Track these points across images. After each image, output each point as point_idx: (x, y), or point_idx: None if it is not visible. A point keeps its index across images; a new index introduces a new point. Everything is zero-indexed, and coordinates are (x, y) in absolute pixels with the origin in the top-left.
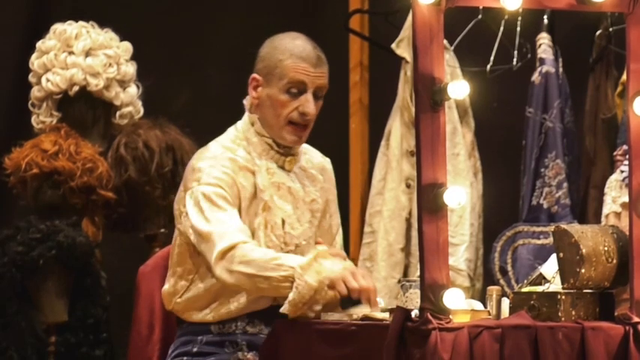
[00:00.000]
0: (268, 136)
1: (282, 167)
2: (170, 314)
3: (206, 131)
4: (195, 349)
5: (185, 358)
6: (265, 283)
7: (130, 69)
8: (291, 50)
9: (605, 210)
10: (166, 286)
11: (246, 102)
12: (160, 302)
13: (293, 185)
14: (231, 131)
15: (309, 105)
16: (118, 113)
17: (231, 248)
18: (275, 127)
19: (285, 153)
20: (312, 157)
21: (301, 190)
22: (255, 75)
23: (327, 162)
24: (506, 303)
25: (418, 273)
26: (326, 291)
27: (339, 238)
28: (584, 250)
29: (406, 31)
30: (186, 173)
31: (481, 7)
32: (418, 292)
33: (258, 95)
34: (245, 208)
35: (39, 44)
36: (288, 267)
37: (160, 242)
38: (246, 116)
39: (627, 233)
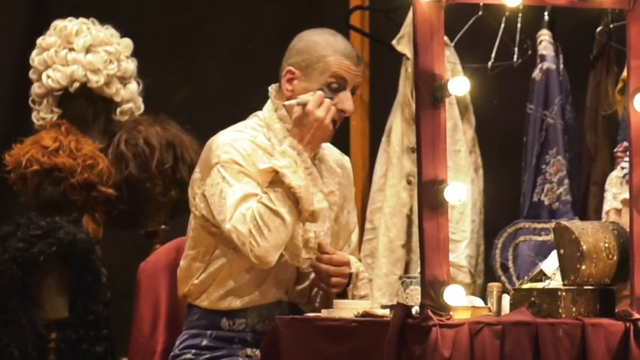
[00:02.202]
0: (290, 122)
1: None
2: (174, 310)
3: (206, 127)
4: (204, 343)
5: (193, 351)
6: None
7: (131, 65)
8: (334, 47)
9: (606, 206)
10: (180, 269)
11: (272, 90)
12: (162, 298)
13: (313, 172)
14: (251, 119)
15: (348, 102)
16: (118, 110)
17: (243, 199)
18: None
19: None
20: (331, 152)
21: (319, 179)
22: (290, 68)
23: (346, 160)
24: (506, 299)
25: (419, 269)
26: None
27: (354, 236)
28: (584, 247)
29: (407, 27)
30: (203, 155)
31: (482, 4)
32: (419, 288)
33: (293, 88)
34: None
35: (39, 41)
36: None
37: (160, 239)
38: (269, 104)
39: (628, 230)
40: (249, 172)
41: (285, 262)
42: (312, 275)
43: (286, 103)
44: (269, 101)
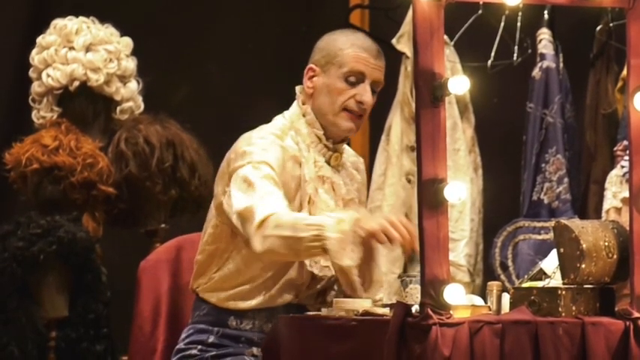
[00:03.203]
0: (319, 128)
1: (327, 162)
2: (175, 309)
3: (206, 126)
4: (210, 340)
5: (199, 347)
6: (298, 244)
7: (131, 64)
8: (353, 41)
9: (606, 205)
10: (197, 263)
11: (299, 91)
12: (163, 297)
13: (337, 181)
14: (279, 120)
15: (366, 94)
16: (118, 108)
17: (268, 217)
18: (330, 114)
19: (333, 149)
20: (348, 155)
21: (343, 188)
22: (311, 65)
23: (360, 162)
24: (506, 298)
25: (418, 268)
26: (358, 234)
27: None
28: (584, 246)
29: (406, 26)
30: (232, 156)
31: (481, 2)
32: (418, 287)
33: (313, 85)
34: (290, 198)
35: (39, 39)
36: (317, 225)
37: (160, 237)
38: (296, 106)
39: (628, 228)
40: (277, 181)
41: (301, 267)
42: (326, 279)
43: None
44: (295, 104)
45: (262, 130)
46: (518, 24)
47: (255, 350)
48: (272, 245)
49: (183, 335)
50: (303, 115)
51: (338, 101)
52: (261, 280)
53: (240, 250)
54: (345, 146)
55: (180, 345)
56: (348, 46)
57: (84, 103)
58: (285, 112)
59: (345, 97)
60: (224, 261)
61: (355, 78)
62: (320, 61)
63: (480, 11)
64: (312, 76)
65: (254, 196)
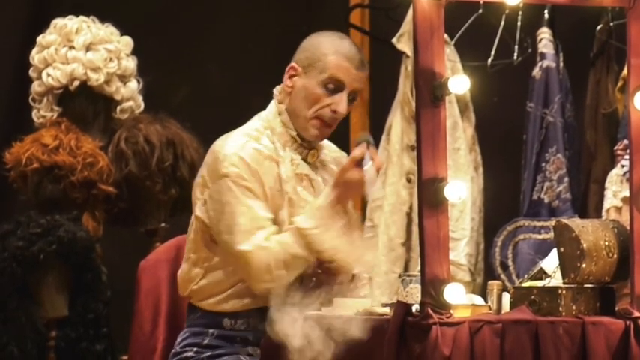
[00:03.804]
0: (292, 129)
1: (304, 160)
2: (175, 308)
3: (206, 126)
4: (205, 342)
5: (195, 349)
6: (299, 261)
7: (131, 64)
8: (337, 47)
9: (606, 204)
10: (181, 272)
11: (277, 91)
12: (163, 296)
13: (315, 178)
14: (255, 120)
15: (342, 104)
16: (118, 108)
17: (259, 229)
18: (301, 118)
19: (308, 146)
20: (330, 150)
21: (322, 184)
22: (293, 64)
23: (343, 157)
24: (506, 298)
25: (419, 267)
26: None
27: None
28: (584, 245)
29: (407, 25)
30: (209, 161)
31: (482, 2)
32: (419, 286)
33: (292, 84)
34: (269, 198)
35: (39, 39)
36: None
37: (160, 237)
38: (273, 105)
39: (628, 228)
40: (256, 191)
41: None
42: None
43: (366, 159)
44: (273, 103)
45: (238, 133)
46: (519, 23)
47: (250, 349)
48: (270, 252)
49: (178, 339)
50: (279, 114)
51: (313, 108)
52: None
53: (223, 258)
54: (327, 142)
55: (176, 348)
56: (331, 53)
57: (84, 103)
58: (262, 113)
59: (320, 105)
60: (205, 270)
61: (334, 86)
62: (303, 61)
63: (480, 10)
64: (293, 75)
65: (235, 209)
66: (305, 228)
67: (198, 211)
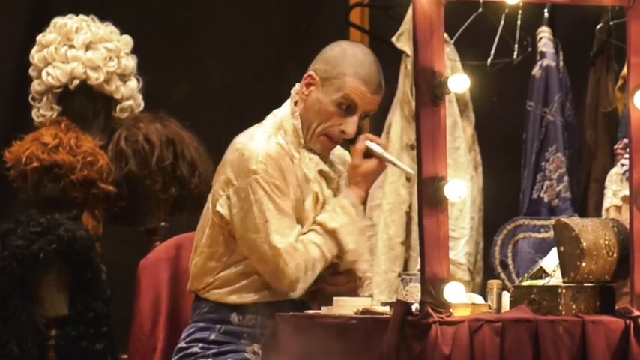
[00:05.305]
0: (301, 136)
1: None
2: (175, 307)
3: (206, 125)
4: (212, 337)
5: (201, 344)
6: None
7: (131, 62)
8: (357, 69)
9: (606, 203)
10: (195, 265)
11: (294, 92)
12: (163, 295)
13: (334, 177)
14: (270, 119)
15: (351, 126)
16: (118, 107)
17: (289, 227)
18: (310, 131)
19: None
20: (335, 149)
21: (340, 182)
22: (312, 73)
23: (347, 155)
24: (506, 297)
25: (418, 266)
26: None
27: None
28: (584, 244)
29: (406, 24)
30: (232, 159)
31: (481, 1)
32: (418, 285)
33: (308, 93)
34: (293, 195)
35: (39, 38)
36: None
37: (160, 236)
38: (288, 105)
39: (628, 227)
40: (284, 189)
41: None
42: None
43: (372, 148)
44: (288, 103)
45: (259, 130)
46: (519, 22)
47: (256, 347)
48: (306, 282)
49: (184, 334)
50: (293, 117)
51: (323, 125)
52: (261, 277)
53: (242, 254)
54: None
55: (182, 344)
56: (351, 74)
57: (84, 102)
58: (277, 111)
59: (331, 124)
60: (224, 265)
61: (347, 107)
62: (322, 73)
63: (480, 10)
64: (310, 84)
65: (264, 209)
66: (335, 228)
67: (220, 207)
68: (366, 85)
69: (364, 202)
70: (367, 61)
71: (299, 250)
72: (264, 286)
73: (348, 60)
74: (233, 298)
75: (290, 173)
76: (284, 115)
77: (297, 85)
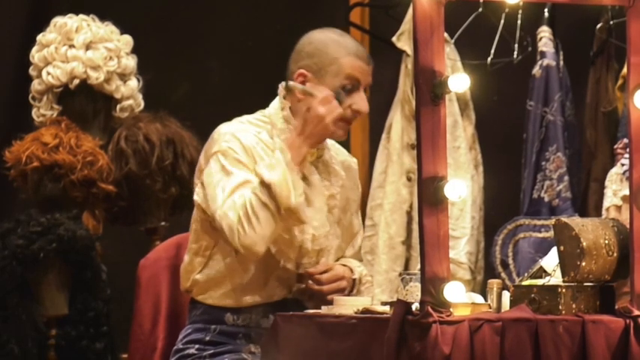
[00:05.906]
0: (294, 125)
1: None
2: (175, 307)
3: (207, 124)
4: (207, 338)
5: (197, 346)
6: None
7: (131, 62)
8: (346, 48)
9: (606, 203)
10: (183, 265)
11: (281, 87)
12: (163, 295)
13: (310, 177)
14: (257, 114)
15: (363, 103)
16: (118, 106)
17: (238, 186)
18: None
19: None
20: (337, 154)
21: (319, 183)
22: (302, 71)
23: (353, 162)
24: (506, 296)
25: (419, 266)
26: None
27: (359, 238)
28: (584, 244)
29: (407, 24)
30: (206, 145)
31: (482, 0)
32: (419, 285)
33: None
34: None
35: (39, 37)
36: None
37: (160, 235)
38: (276, 101)
39: (628, 226)
40: (247, 163)
41: (287, 262)
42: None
43: (294, 85)
44: (277, 99)
45: (238, 120)
46: (519, 22)
47: (252, 347)
48: (256, 234)
49: (180, 336)
50: (282, 109)
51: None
52: (250, 277)
53: (224, 246)
54: (337, 145)
55: (179, 345)
56: (343, 55)
57: (84, 101)
58: (266, 109)
59: (343, 108)
60: (207, 259)
61: (352, 86)
62: (312, 67)
63: (480, 9)
64: (304, 82)
65: (222, 178)
66: (267, 180)
67: (196, 196)
68: (360, 59)
69: (312, 146)
70: (347, 39)
71: (235, 204)
72: (255, 290)
73: (331, 45)
74: (226, 302)
75: (261, 158)
76: (272, 109)
77: (283, 83)
